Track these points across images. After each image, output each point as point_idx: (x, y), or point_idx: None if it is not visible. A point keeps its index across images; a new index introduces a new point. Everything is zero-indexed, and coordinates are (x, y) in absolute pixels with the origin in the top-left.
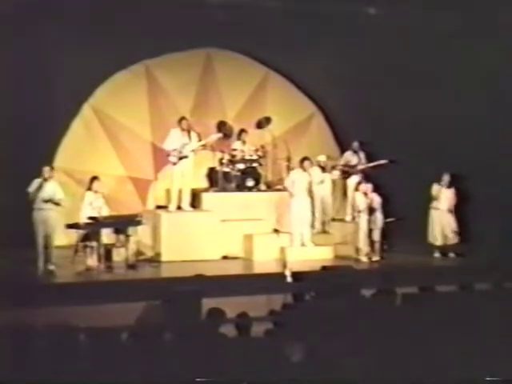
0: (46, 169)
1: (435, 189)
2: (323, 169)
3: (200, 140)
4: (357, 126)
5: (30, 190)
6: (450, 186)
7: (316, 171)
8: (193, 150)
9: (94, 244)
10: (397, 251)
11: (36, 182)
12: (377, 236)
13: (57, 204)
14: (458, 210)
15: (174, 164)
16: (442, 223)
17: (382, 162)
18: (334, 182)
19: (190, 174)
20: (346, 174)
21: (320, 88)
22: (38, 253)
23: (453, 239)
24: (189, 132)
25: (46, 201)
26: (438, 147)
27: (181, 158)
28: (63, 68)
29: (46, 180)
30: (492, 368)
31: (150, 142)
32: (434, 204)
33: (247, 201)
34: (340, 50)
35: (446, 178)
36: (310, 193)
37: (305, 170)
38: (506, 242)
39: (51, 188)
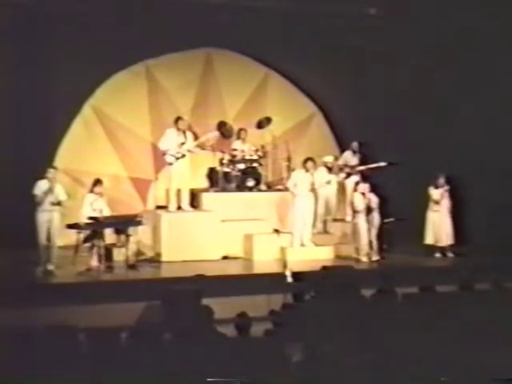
0: (53, 170)
1: (436, 193)
2: (330, 169)
3: (196, 139)
4: (357, 126)
5: (38, 192)
6: (444, 186)
7: (322, 172)
8: (189, 151)
9: (100, 243)
10: (397, 251)
11: (42, 184)
12: (374, 235)
13: (58, 204)
14: (459, 211)
15: (171, 164)
16: (444, 224)
17: (382, 164)
18: (339, 183)
19: (187, 173)
20: (346, 174)
21: (320, 88)
22: (40, 253)
23: (450, 240)
24: (184, 132)
25: (55, 203)
26: (438, 147)
27: (177, 158)
28: (63, 68)
29: (51, 182)
30: (492, 368)
31: (150, 142)
32: (435, 207)
33: (247, 201)
34: (340, 50)
35: (441, 180)
36: (313, 193)
37: (307, 170)
38: (506, 242)
39: (57, 190)
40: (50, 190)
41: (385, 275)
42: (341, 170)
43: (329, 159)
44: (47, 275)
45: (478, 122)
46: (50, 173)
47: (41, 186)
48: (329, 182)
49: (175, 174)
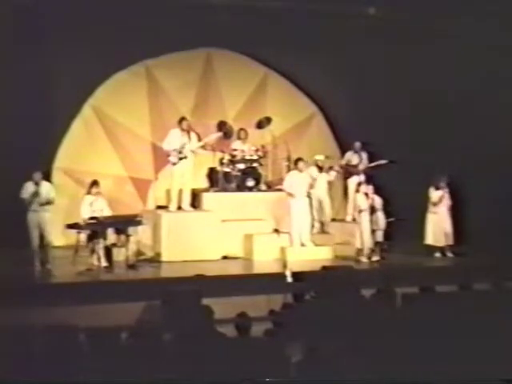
0: (37, 174)
1: (436, 194)
2: (320, 168)
3: (200, 140)
4: (357, 126)
5: (25, 196)
6: (444, 186)
7: (312, 170)
8: (192, 151)
9: (101, 243)
10: (397, 251)
11: (28, 187)
12: (380, 237)
13: (49, 203)
14: (459, 211)
15: (174, 164)
16: (443, 225)
17: (382, 162)
18: (330, 182)
19: (189, 174)
20: (347, 174)
21: (320, 88)
22: (34, 253)
23: (449, 240)
24: (188, 132)
25: (43, 203)
26: (438, 147)
27: (180, 159)
28: (63, 68)
29: (37, 184)
30: (492, 368)
31: (150, 142)
32: (435, 208)
33: (247, 201)
34: (340, 50)
35: (442, 181)
36: (309, 193)
37: (301, 170)
38: (506, 241)
39: (45, 190)
40: (36, 194)
41: (385, 275)
42: (330, 168)
43: (319, 158)
44: (45, 275)
45: (479, 122)
46: (37, 176)
47: (28, 189)
48: (314, 180)
49: (177, 173)
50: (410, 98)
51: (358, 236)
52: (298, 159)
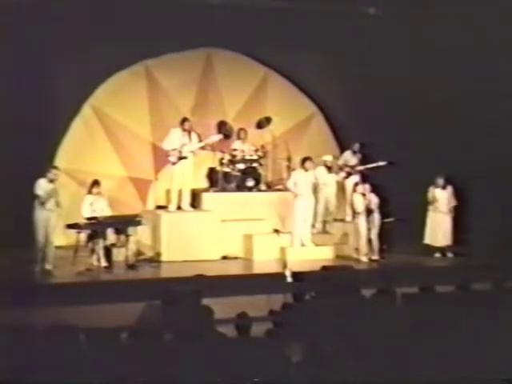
0: (56, 171)
1: (436, 193)
2: (329, 169)
3: (200, 141)
4: (357, 126)
5: (41, 193)
6: (445, 186)
7: (322, 171)
8: (192, 151)
9: (101, 243)
10: (397, 251)
11: (44, 185)
12: (374, 235)
13: (57, 204)
14: (458, 211)
15: (174, 164)
16: (442, 225)
17: (381, 163)
18: (338, 182)
19: (189, 174)
20: (346, 174)
21: (320, 88)
22: (37, 253)
23: (448, 241)
24: (189, 133)
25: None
26: (438, 148)
27: (180, 158)
28: (63, 68)
29: (52, 182)
30: (492, 368)
31: (150, 142)
32: (433, 207)
33: (247, 201)
34: (340, 50)
35: (440, 180)
36: (314, 193)
37: (307, 170)
38: (506, 242)
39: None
40: (54, 192)
41: (385, 275)
42: (341, 169)
43: (328, 158)
44: (45, 275)
45: (478, 122)
46: (54, 174)
47: (43, 187)
48: (324, 184)
49: (177, 173)
50: (409, 97)
51: (354, 235)
52: (306, 158)
